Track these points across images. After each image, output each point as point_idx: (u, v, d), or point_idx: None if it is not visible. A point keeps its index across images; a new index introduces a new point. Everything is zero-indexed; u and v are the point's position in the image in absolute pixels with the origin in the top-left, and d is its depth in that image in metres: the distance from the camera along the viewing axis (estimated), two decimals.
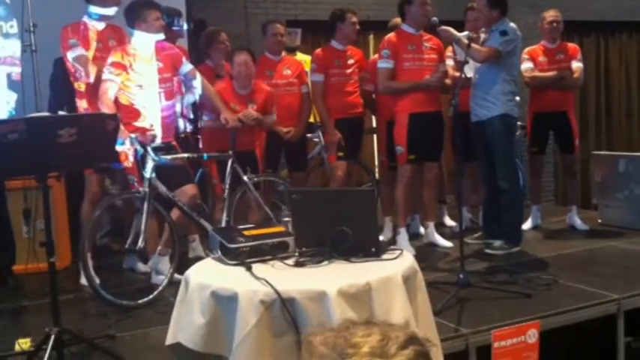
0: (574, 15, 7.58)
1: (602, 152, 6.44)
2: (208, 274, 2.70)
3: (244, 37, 6.61)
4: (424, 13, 4.85)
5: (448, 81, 5.02)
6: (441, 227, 5.57)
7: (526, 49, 5.58)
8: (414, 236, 5.30)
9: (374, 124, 6.17)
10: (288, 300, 2.42)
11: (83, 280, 4.22)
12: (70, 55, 4.42)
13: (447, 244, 5.06)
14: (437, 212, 5.52)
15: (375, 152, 7.16)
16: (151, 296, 3.99)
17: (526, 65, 5.50)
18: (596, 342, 3.79)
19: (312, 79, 5.26)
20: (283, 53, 5.41)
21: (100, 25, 4.54)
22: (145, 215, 3.95)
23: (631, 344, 3.81)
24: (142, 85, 4.26)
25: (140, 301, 3.95)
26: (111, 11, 4.53)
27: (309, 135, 5.60)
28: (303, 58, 5.81)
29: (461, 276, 3.92)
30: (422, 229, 5.39)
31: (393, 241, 4.90)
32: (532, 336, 3.43)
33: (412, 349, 1.04)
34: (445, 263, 4.65)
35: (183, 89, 4.79)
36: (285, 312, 2.39)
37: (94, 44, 4.47)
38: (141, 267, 4.66)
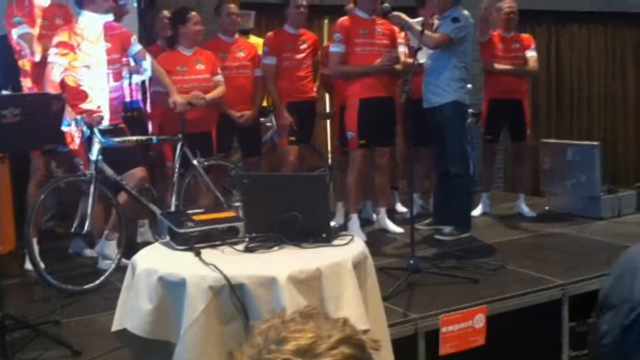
0: (526, 4, 7.66)
1: (550, 140, 6.55)
2: (156, 260, 2.66)
3: None
4: None
5: (399, 67, 5.02)
6: (392, 213, 5.60)
7: None
8: (365, 222, 5.32)
9: (327, 109, 6.16)
10: (237, 286, 2.40)
11: (28, 265, 4.13)
12: (14, 33, 4.29)
13: (398, 229, 5.09)
14: (389, 198, 5.54)
15: (329, 137, 7.15)
16: (97, 281, 3.93)
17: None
18: (541, 326, 3.87)
19: (264, 62, 5.20)
20: (237, 35, 5.33)
21: (46, 1, 4.40)
22: (91, 199, 3.87)
23: (575, 328, 3.91)
24: (90, 65, 4.16)
25: (86, 286, 3.90)
26: (107, 17, 4.39)
27: (262, 119, 5.55)
28: (257, 42, 5.74)
29: (411, 262, 3.95)
30: (374, 215, 5.41)
31: (344, 227, 4.91)
32: (479, 321, 3.49)
33: (341, 350, 0.98)
34: (395, 249, 4.69)
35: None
36: (234, 298, 2.37)
37: (39, 21, 4.34)
38: (87, 252, 4.57)
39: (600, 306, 1.28)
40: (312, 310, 1.06)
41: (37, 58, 4.25)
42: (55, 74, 4.07)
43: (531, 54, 5.62)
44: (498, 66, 5.53)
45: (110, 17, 4.24)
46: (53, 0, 4.47)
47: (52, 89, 4.02)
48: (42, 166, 4.44)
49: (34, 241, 3.96)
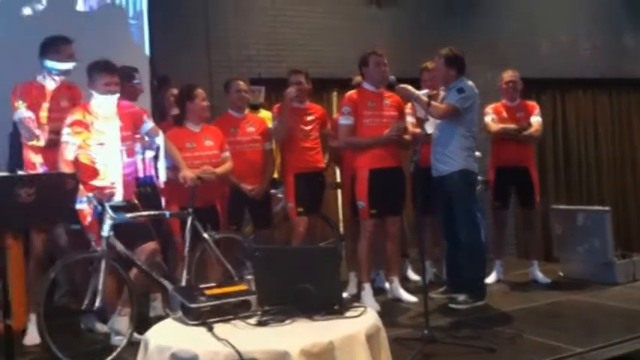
0: (531, 72, 7.81)
1: (560, 206, 6.54)
2: (168, 335, 2.66)
3: (208, 95, 6.64)
4: (380, 73, 4.97)
5: (407, 137, 5.10)
6: (405, 281, 5.56)
7: (490, 106, 5.75)
8: (378, 291, 5.28)
9: (338, 179, 6.21)
10: None
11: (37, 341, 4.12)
12: (15, 117, 4.41)
13: (412, 298, 5.05)
14: (400, 267, 5.52)
15: (340, 206, 7.18)
16: (109, 358, 3.90)
17: (490, 117, 5.67)
18: None
19: (272, 127, 5.31)
20: (247, 110, 5.44)
21: (53, 84, 4.54)
22: (102, 274, 3.88)
23: None
24: (104, 143, 4.24)
25: None
26: (67, 65, 4.53)
27: (272, 191, 5.60)
28: (267, 115, 5.86)
29: (425, 332, 3.91)
30: (386, 284, 5.38)
31: (357, 297, 4.88)
32: None
33: None
34: (410, 319, 4.64)
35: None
36: None
37: (45, 105, 4.46)
38: (99, 327, 4.54)
39: None
40: None
41: (42, 142, 4.36)
42: (68, 153, 4.15)
43: (535, 119, 5.70)
44: (498, 125, 5.60)
45: (114, 98, 4.34)
46: (61, 80, 4.58)
47: (66, 168, 4.10)
48: (40, 244, 4.45)
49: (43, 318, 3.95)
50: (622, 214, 9.43)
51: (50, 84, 4.55)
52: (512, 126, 5.62)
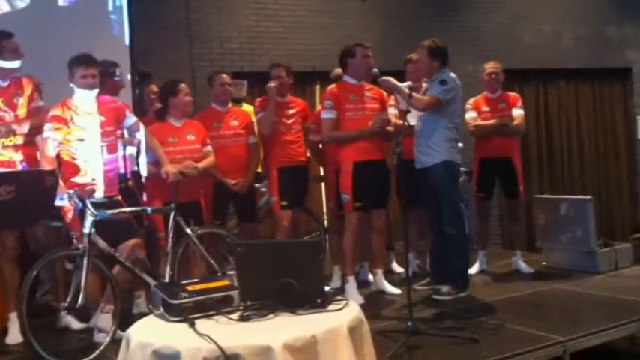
0: (513, 63, 7.84)
1: (543, 196, 6.59)
2: (150, 332, 2.65)
3: (190, 89, 6.61)
4: (366, 65, 4.96)
5: (390, 128, 5.10)
6: (389, 274, 5.58)
7: (470, 100, 5.76)
8: (363, 284, 5.30)
9: (322, 172, 6.20)
10: (232, 356, 2.39)
11: (16, 339, 4.11)
12: None
13: (396, 290, 5.07)
14: (385, 259, 5.54)
15: (324, 200, 7.17)
16: (92, 355, 3.88)
17: (470, 115, 5.68)
18: None
19: (257, 119, 5.32)
20: (230, 104, 5.42)
21: (3, 82, 4.48)
22: (84, 272, 3.85)
23: None
24: (84, 139, 4.21)
25: None
26: (14, 64, 4.47)
27: (257, 185, 5.59)
28: (250, 109, 5.84)
29: (409, 323, 3.92)
30: (371, 277, 5.39)
31: (342, 290, 4.89)
32: None
33: None
34: (394, 311, 4.65)
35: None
36: None
37: None
38: (76, 325, 4.51)
39: None
40: None
41: None
42: (49, 149, 4.12)
43: (517, 112, 5.70)
44: (481, 122, 5.62)
45: (93, 92, 4.30)
46: (11, 77, 4.50)
47: (47, 164, 4.07)
48: (13, 240, 4.36)
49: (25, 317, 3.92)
50: (604, 204, 9.51)
51: (2, 82, 4.47)
52: (491, 122, 5.62)
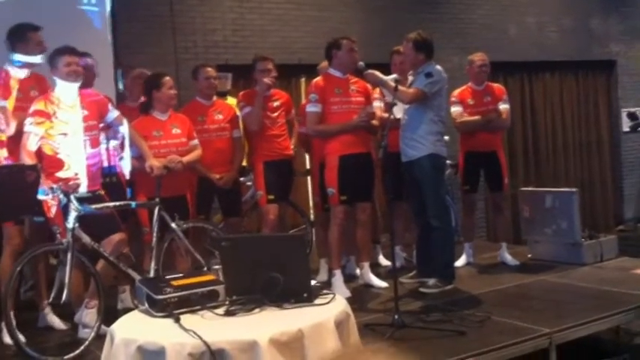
0: (498, 56, 7.85)
1: (528, 188, 6.59)
2: (134, 328, 2.62)
3: (175, 82, 6.56)
4: (352, 58, 4.94)
5: (375, 122, 5.08)
6: (376, 267, 5.58)
7: (455, 92, 5.74)
8: (350, 277, 5.29)
9: (307, 166, 6.18)
10: (217, 352, 2.37)
11: (6, 338, 4.04)
12: None
13: (382, 284, 5.07)
14: (371, 252, 5.53)
15: (309, 193, 7.16)
16: (77, 351, 3.85)
17: (455, 109, 5.67)
18: None
19: (243, 114, 5.25)
20: (215, 97, 5.38)
21: (23, 73, 4.43)
22: (68, 267, 3.81)
23: None
24: (67, 133, 4.16)
25: (66, 357, 3.81)
26: (36, 59, 4.42)
27: (242, 179, 5.55)
28: (234, 103, 5.80)
29: (395, 317, 3.92)
30: (357, 270, 5.38)
31: (328, 284, 4.88)
32: None
33: None
34: (381, 304, 4.65)
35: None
36: None
37: (14, 93, 4.34)
38: (59, 325, 4.46)
39: None
40: None
41: (10, 131, 4.24)
42: (30, 144, 4.07)
43: (504, 106, 5.69)
44: (467, 118, 5.62)
45: (75, 84, 4.23)
46: (31, 71, 4.47)
47: (28, 159, 4.02)
48: (17, 236, 4.36)
49: (12, 314, 3.87)
50: (588, 196, 9.57)
51: (21, 73, 4.42)
52: (477, 118, 5.62)
